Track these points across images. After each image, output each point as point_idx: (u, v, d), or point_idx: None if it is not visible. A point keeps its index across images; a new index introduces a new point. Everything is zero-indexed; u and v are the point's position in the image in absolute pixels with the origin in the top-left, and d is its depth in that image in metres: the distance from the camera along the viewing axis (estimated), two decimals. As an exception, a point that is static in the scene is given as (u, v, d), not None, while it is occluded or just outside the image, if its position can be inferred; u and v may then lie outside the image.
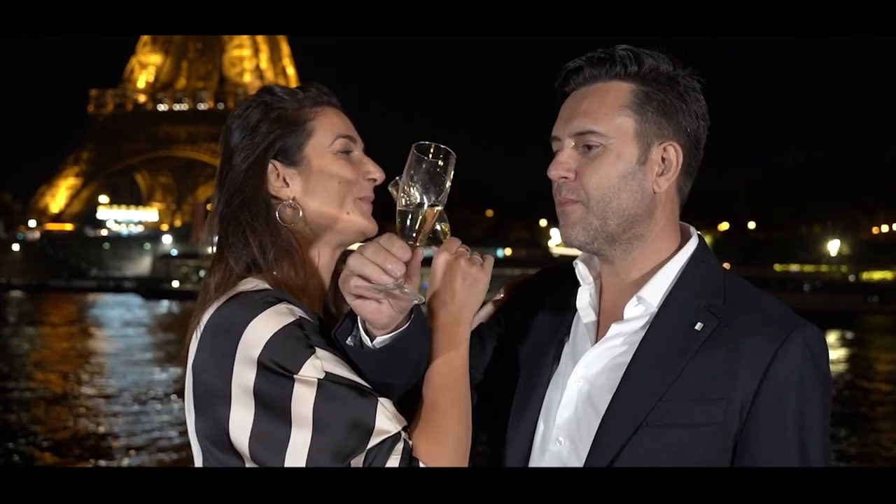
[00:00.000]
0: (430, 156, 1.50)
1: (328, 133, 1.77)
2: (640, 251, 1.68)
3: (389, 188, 1.70)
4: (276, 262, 1.69)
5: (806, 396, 1.53)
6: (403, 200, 1.50)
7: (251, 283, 1.65)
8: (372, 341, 1.54)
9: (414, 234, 1.49)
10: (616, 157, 1.62)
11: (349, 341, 1.56)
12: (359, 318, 1.54)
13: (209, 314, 1.61)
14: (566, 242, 1.67)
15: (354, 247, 1.68)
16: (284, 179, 1.75)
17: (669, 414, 1.54)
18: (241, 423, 1.53)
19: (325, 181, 1.75)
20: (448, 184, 1.52)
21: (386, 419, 1.51)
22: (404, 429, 1.53)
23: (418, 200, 1.50)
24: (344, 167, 1.76)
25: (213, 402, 1.57)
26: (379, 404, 1.52)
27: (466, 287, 1.66)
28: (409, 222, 1.50)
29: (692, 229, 1.75)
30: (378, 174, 1.79)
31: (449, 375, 1.61)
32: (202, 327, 1.61)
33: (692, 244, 1.71)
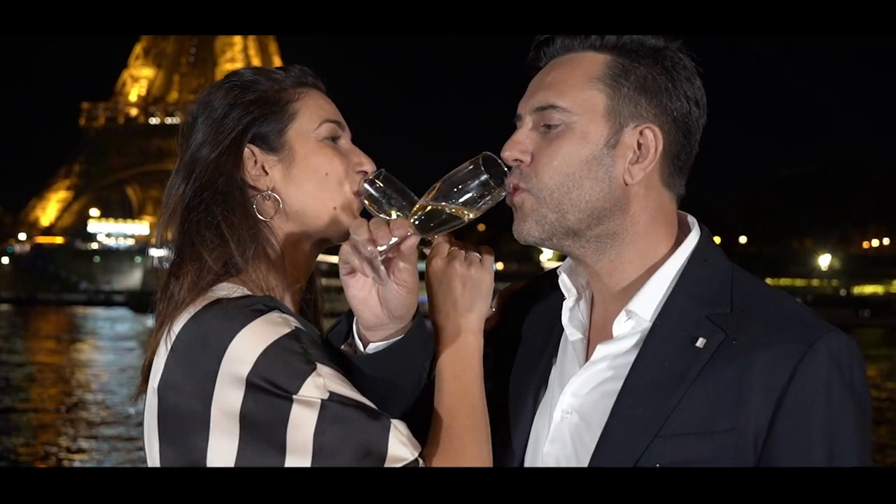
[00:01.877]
0: (493, 173, 1.39)
1: (313, 117, 1.60)
2: (617, 252, 1.45)
3: (363, 198, 1.58)
4: (254, 262, 1.51)
5: (836, 421, 1.29)
6: (439, 199, 1.40)
7: (230, 289, 1.46)
8: (365, 348, 1.44)
9: (421, 231, 1.40)
10: (580, 139, 1.41)
11: (343, 347, 1.46)
12: (354, 322, 1.45)
13: (181, 324, 1.43)
14: (518, 239, 1.47)
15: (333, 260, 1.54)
16: (263, 167, 1.57)
17: (668, 452, 1.32)
18: (222, 453, 1.36)
19: (309, 171, 1.57)
20: (486, 208, 1.41)
21: (400, 444, 1.35)
22: (420, 454, 1.38)
23: (453, 207, 1.39)
24: (332, 156, 1.59)
25: (186, 429, 1.39)
26: (392, 427, 1.36)
27: (468, 292, 1.49)
28: (427, 219, 1.40)
29: (693, 222, 1.51)
30: (369, 166, 1.61)
31: (461, 394, 1.46)
32: (172, 339, 1.42)
33: (691, 241, 1.47)
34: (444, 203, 1.40)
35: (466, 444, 1.42)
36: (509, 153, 1.45)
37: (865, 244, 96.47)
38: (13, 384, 24.39)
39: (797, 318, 1.36)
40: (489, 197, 1.41)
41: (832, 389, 1.30)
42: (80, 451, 15.49)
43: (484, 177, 1.39)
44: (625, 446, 1.35)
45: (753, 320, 1.36)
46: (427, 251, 1.54)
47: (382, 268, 1.35)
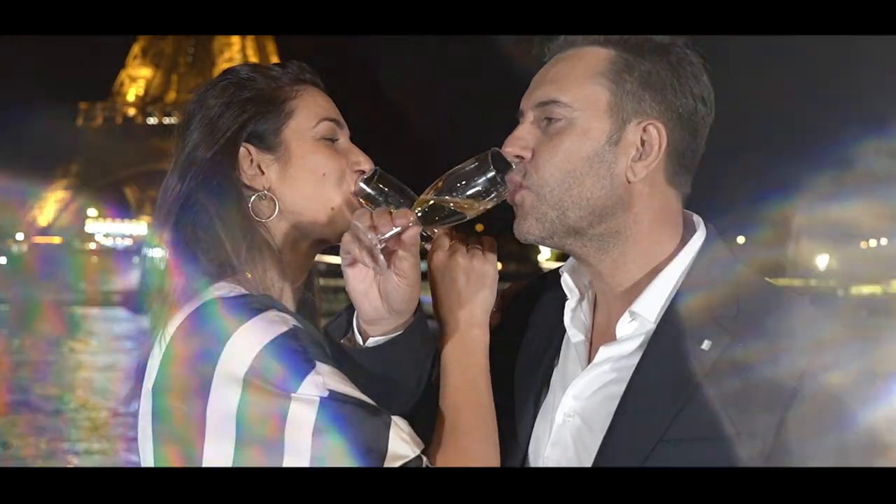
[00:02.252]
0: (500, 169, 1.37)
1: (311, 115, 1.57)
2: (620, 251, 1.43)
3: (360, 197, 1.55)
4: (250, 263, 1.49)
5: (845, 426, 1.28)
6: (443, 193, 1.38)
7: (227, 288, 1.44)
8: (365, 343, 1.43)
9: (424, 224, 1.39)
10: (581, 135, 1.39)
11: (343, 341, 1.46)
12: (355, 316, 1.44)
13: (175, 324, 1.41)
14: (519, 237, 1.45)
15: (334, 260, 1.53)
16: (259, 166, 1.55)
17: (672, 456, 1.29)
18: (218, 455, 1.34)
19: (306, 170, 1.54)
20: (492, 205, 1.39)
21: (401, 441, 1.33)
22: (423, 451, 1.35)
23: (458, 202, 1.38)
24: (329, 156, 1.56)
25: (181, 432, 1.37)
26: (393, 424, 1.34)
27: (472, 284, 1.47)
28: (430, 212, 1.38)
29: (699, 221, 1.48)
30: (368, 166, 1.58)
31: (467, 390, 1.43)
32: (167, 340, 1.41)
33: (696, 241, 1.45)
34: (448, 197, 1.38)
35: (472, 442, 1.39)
36: (510, 149, 1.43)
37: (863, 244, 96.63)
38: (13, 384, 24.33)
39: (805, 321, 1.33)
40: (495, 193, 1.38)
41: (841, 393, 1.27)
42: (81, 451, 15.47)
43: (491, 173, 1.37)
44: (628, 450, 1.32)
45: (760, 323, 1.33)
46: (428, 246, 1.52)
47: (382, 257, 1.34)
